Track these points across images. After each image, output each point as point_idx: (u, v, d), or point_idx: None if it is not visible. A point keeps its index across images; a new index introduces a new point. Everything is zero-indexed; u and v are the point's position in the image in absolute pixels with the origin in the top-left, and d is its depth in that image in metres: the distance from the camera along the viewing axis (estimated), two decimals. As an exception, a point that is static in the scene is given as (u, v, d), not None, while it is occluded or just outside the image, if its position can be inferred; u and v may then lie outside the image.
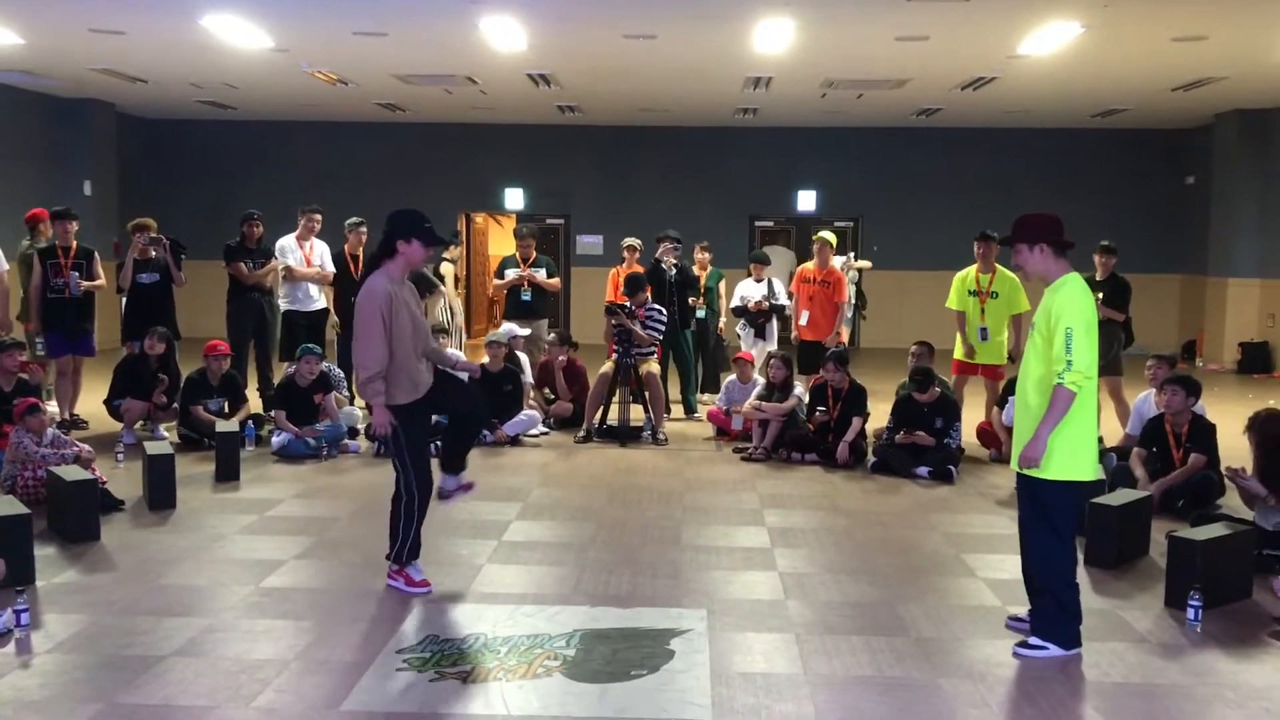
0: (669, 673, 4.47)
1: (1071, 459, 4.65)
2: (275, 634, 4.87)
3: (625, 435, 9.46)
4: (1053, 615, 4.75)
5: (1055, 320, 4.60)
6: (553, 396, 10.25)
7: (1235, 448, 6.88)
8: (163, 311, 9.71)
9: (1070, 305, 4.61)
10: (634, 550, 6.26)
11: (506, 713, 4.08)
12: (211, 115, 17.06)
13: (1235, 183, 15.54)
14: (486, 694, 4.24)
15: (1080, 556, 6.07)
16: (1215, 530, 5.51)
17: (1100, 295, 9.35)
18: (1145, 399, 8.16)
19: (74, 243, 9.59)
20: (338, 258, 10.49)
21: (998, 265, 9.27)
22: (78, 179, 15.37)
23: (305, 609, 5.19)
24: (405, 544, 5.44)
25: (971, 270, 9.42)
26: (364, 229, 10.55)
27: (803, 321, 10.28)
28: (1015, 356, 9.18)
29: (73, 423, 9.54)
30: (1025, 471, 4.69)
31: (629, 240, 11.22)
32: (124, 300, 9.91)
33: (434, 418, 6.18)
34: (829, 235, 10.56)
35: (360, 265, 10.34)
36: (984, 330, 9.24)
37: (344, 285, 10.30)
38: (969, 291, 9.36)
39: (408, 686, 4.31)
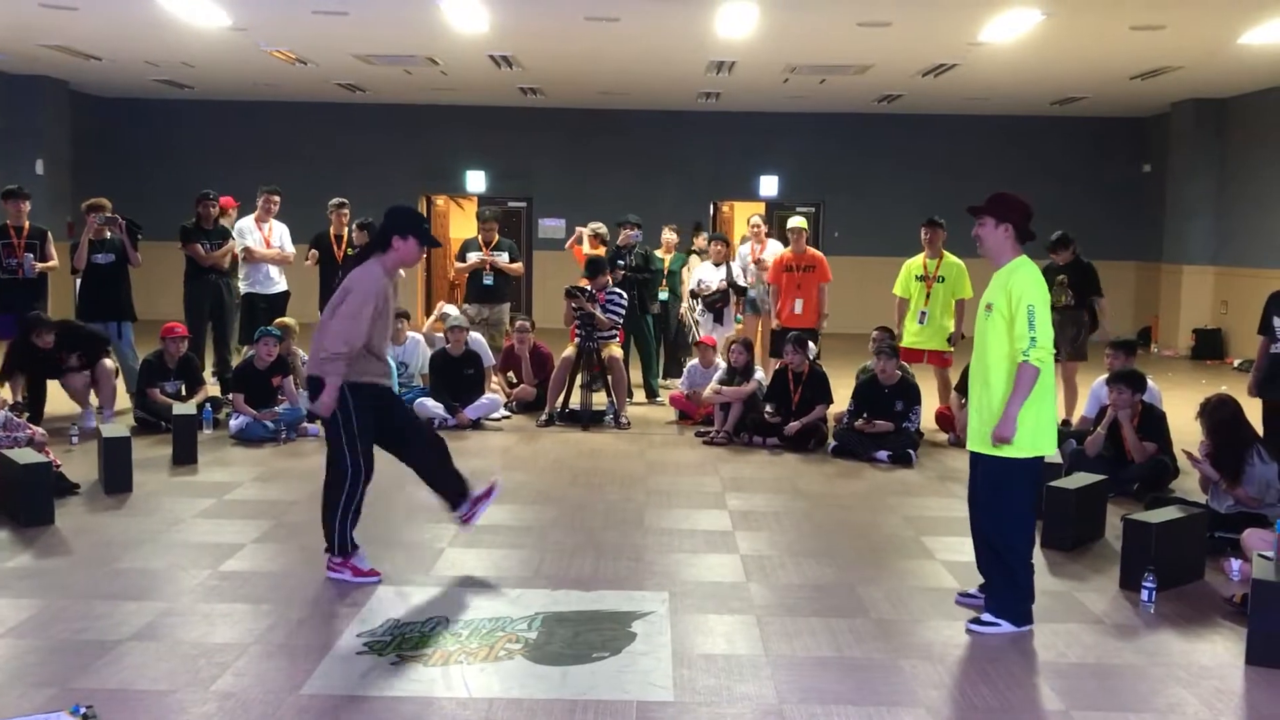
0: (631, 654, 4.48)
1: (1034, 436, 4.74)
2: (234, 618, 4.82)
3: (587, 419, 9.45)
4: (1006, 593, 4.84)
5: (1017, 300, 4.69)
6: (515, 380, 10.22)
7: (1189, 431, 6.98)
8: (118, 293, 9.58)
9: (1030, 285, 4.73)
10: (596, 533, 6.26)
11: (468, 695, 4.07)
12: (168, 94, 16.83)
13: (1190, 171, 15.75)
14: (448, 677, 4.23)
15: (1037, 539, 6.20)
16: (1169, 513, 5.59)
17: (1064, 278, 9.45)
18: (1102, 383, 8.26)
19: (26, 223, 9.42)
20: (321, 239, 10.39)
21: (944, 251, 9.37)
22: (29, 158, 15.09)
23: (265, 592, 5.15)
24: (342, 533, 5.29)
25: (920, 257, 9.51)
26: (345, 210, 10.46)
27: (797, 310, 10.11)
28: (954, 341, 9.33)
29: (25, 405, 9.38)
30: (996, 452, 4.74)
31: (595, 226, 11.26)
32: (78, 281, 9.75)
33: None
34: (800, 222, 10.48)
35: (344, 246, 10.29)
36: (923, 314, 9.33)
37: (328, 266, 10.22)
38: (916, 277, 9.46)
39: (369, 670, 4.29)
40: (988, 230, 4.85)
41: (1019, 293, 4.69)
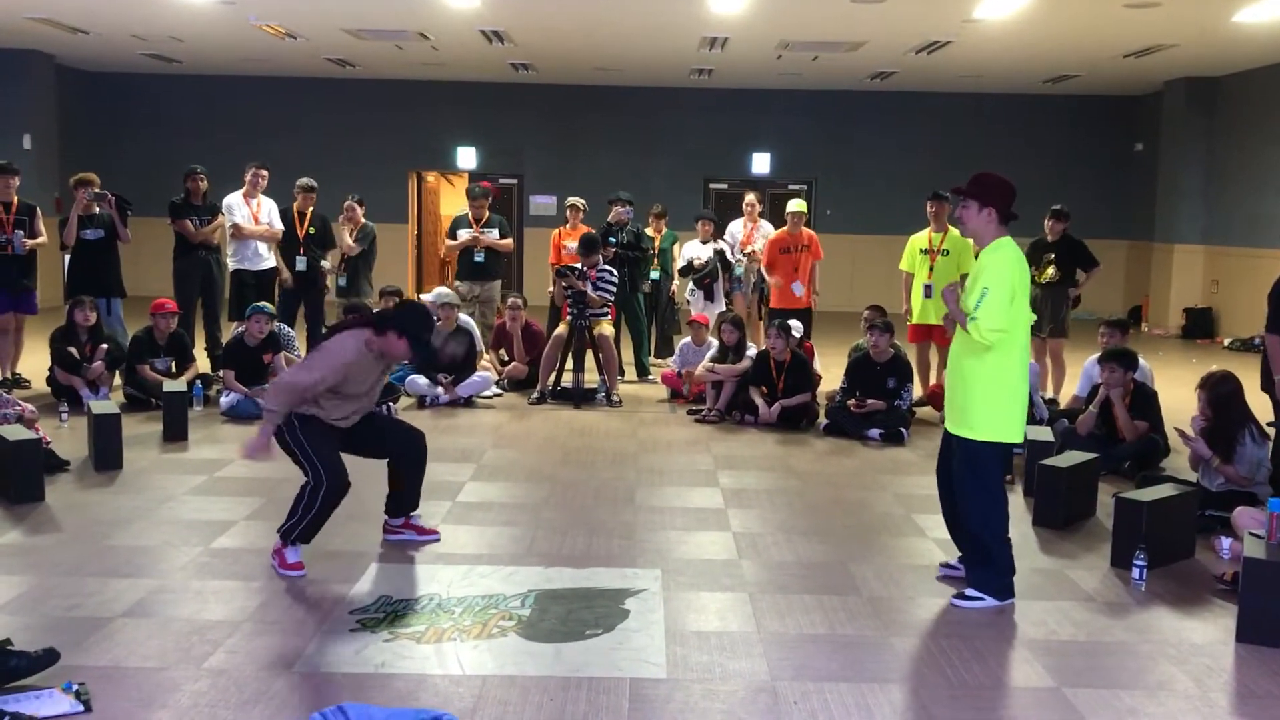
0: (624, 632, 4.48)
1: (999, 421, 4.81)
2: (226, 595, 4.82)
3: (579, 397, 9.44)
4: (985, 571, 4.91)
5: (976, 278, 4.81)
6: (507, 358, 10.20)
7: (1180, 409, 7.00)
8: (108, 269, 9.52)
9: (994, 268, 4.78)
10: (588, 511, 6.26)
11: (461, 672, 4.08)
12: (156, 69, 16.68)
13: (1182, 150, 15.74)
14: (441, 654, 4.23)
15: (1029, 516, 6.22)
16: (1160, 491, 5.61)
17: (1052, 255, 9.48)
18: (1093, 362, 8.28)
19: (15, 199, 9.35)
20: (284, 214, 10.32)
21: (949, 225, 9.33)
22: (16, 133, 14.97)
23: (256, 570, 5.14)
24: (299, 526, 5.06)
25: (925, 231, 9.49)
26: (313, 194, 10.37)
27: (798, 292, 10.12)
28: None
29: (15, 382, 9.35)
30: (967, 435, 4.85)
31: (573, 200, 11.19)
32: (67, 258, 9.69)
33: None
34: (799, 205, 10.41)
35: (307, 221, 10.22)
36: (928, 288, 9.30)
37: (289, 242, 10.17)
38: (920, 251, 9.44)
39: (361, 647, 4.28)
40: (970, 214, 4.88)
41: (979, 271, 4.81)
